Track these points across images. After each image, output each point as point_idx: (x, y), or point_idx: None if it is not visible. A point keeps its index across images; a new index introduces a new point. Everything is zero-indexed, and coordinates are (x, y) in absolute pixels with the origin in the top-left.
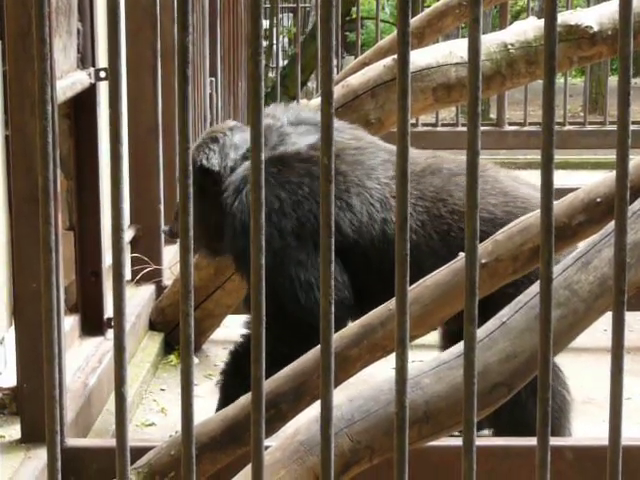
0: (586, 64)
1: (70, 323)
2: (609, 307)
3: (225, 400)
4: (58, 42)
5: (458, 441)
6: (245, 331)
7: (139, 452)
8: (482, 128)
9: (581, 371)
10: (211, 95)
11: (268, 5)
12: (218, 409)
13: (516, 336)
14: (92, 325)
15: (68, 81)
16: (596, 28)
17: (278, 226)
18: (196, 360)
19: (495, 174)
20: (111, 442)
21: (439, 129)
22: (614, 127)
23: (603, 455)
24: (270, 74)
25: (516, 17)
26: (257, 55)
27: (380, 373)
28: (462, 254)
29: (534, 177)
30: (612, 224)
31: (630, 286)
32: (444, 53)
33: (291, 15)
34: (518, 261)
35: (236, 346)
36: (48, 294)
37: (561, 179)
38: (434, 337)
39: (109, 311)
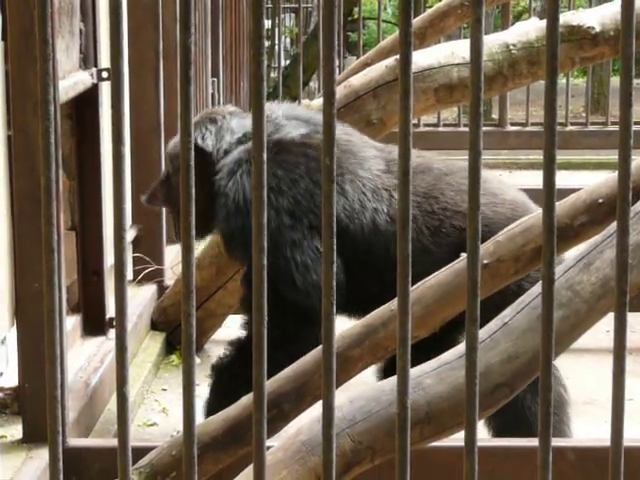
0: (588, 64)
1: (72, 323)
2: (611, 308)
3: (215, 396)
4: (60, 42)
5: (460, 442)
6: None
7: (141, 452)
8: (484, 128)
9: (583, 372)
10: (213, 95)
11: (270, 5)
12: (209, 403)
13: (518, 337)
14: (94, 325)
15: (70, 81)
16: (598, 29)
17: (275, 205)
18: (198, 360)
19: (484, 175)
20: (113, 442)
21: (441, 129)
22: (616, 127)
23: (605, 456)
24: (272, 74)
25: (518, 17)
26: (259, 55)
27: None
28: (464, 254)
29: (536, 178)
30: (614, 225)
31: (632, 287)
32: (446, 53)
33: (293, 15)
34: (520, 262)
35: (234, 341)
36: (50, 294)
37: (563, 179)
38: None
39: (111, 311)
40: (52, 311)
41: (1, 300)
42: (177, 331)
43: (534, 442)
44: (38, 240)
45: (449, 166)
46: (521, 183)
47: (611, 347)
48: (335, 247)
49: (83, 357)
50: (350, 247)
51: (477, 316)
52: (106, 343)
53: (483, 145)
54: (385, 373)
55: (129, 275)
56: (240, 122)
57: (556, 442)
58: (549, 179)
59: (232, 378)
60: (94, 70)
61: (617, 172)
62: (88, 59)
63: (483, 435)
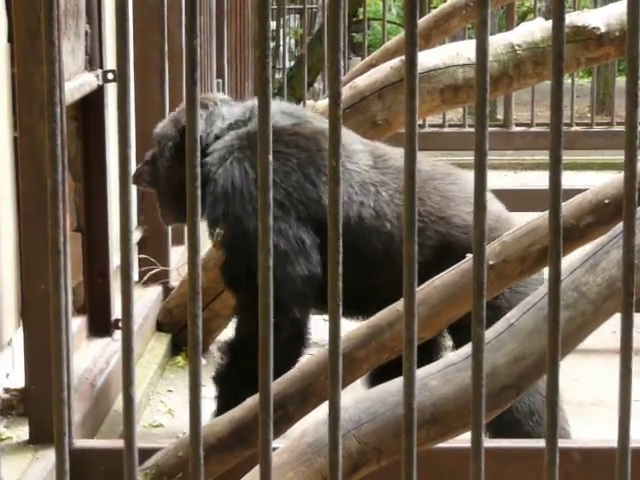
0: (593, 65)
1: (77, 324)
2: (617, 309)
3: (224, 398)
4: (66, 44)
5: (466, 443)
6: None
7: (147, 453)
8: (489, 129)
9: (590, 372)
10: None
11: (275, 6)
12: (219, 408)
13: (524, 338)
14: (99, 326)
15: (76, 83)
16: (603, 29)
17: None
18: (204, 361)
19: (466, 183)
20: (119, 443)
21: (446, 130)
22: (622, 128)
23: (611, 457)
24: (277, 75)
25: (523, 18)
26: (265, 57)
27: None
28: (470, 255)
29: (542, 178)
30: (620, 225)
31: (639, 288)
32: (451, 54)
33: (298, 16)
34: (526, 262)
35: (224, 347)
36: (56, 296)
37: (569, 180)
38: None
39: (116, 312)
40: (58, 313)
41: (7, 302)
42: (183, 332)
43: (540, 443)
44: (44, 241)
45: (436, 169)
46: (526, 184)
47: (618, 348)
48: (341, 248)
49: (89, 358)
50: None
51: (483, 317)
52: (112, 344)
53: (488, 146)
54: (373, 381)
55: (135, 276)
56: (231, 109)
57: (562, 443)
58: (555, 180)
59: (232, 385)
60: (100, 72)
61: (623, 172)
62: (94, 61)
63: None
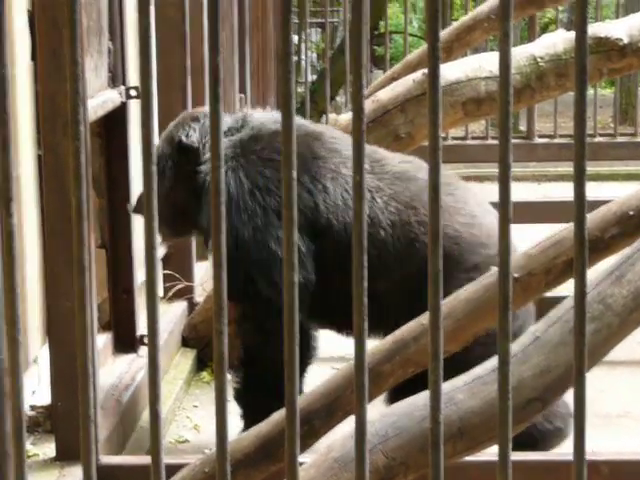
0: (616, 76)
1: (103, 341)
2: None
3: (250, 414)
4: (89, 62)
5: (493, 456)
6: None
7: (172, 469)
8: (512, 141)
9: (616, 384)
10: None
11: (296, 21)
12: (246, 425)
13: (550, 351)
14: (125, 342)
15: (99, 100)
16: (626, 40)
17: (262, 204)
18: (229, 377)
19: (464, 194)
20: (145, 459)
21: (469, 142)
22: None
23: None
24: (299, 89)
25: (545, 29)
26: (288, 73)
27: None
28: (495, 268)
29: (565, 189)
30: None
31: None
32: (473, 67)
33: (319, 30)
34: (551, 274)
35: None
36: (82, 313)
37: (592, 191)
38: None
39: (141, 328)
40: (84, 330)
41: (32, 319)
42: (208, 347)
43: (568, 456)
44: (69, 259)
45: None
46: (550, 195)
47: None
48: (365, 262)
49: (114, 374)
50: (332, 247)
51: (509, 330)
52: (137, 360)
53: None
54: (392, 398)
55: (159, 292)
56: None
57: (590, 456)
58: (579, 191)
59: (253, 399)
60: (122, 88)
61: None
62: (116, 77)
63: None
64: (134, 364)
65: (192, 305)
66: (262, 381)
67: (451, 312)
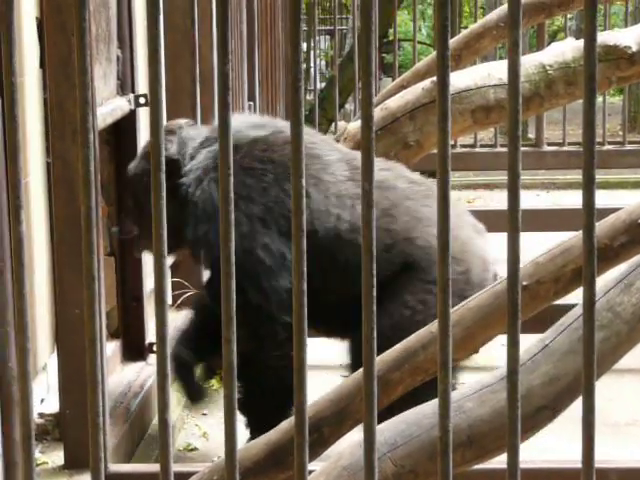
0: (625, 84)
1: (112, 348)
2: None
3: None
4: (98, 69)
5: (502, 464)
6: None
7: (182, 477)
8: (521, 149)
9: (625, 392)
10: None
11: (305, 28)
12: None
13: (559, 359)
14: (134, 350)
15: (108, 108)
16: (635, 48)
17: (246, 212)
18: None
19: (456, 221)
20: (154, 467)
21: (478, 150)
22: None
23: None
24: (308, 97)
25: (553, 37)
26: (297, 81)
27: None
28: (503, 276)
29: (574, 197)
30: None
31: None
32: (482, 75)
33: (328, 37)
34: (560, 283)
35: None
36: (91, 322)
37: (602, 199)
38: (475, 360)
39: (150, 336)
40: (93, 338)
41: (41, 327)
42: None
43: (577, 464)
44: (78, 266)
45: (414, 188)
46: (559, 203)
47: None
48: (375, 270)
49: (123, 382)
50: (313, 253)
51: (518, 338)
52: (146, 368)
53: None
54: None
55: (168, 300)
56: (197, 131)
57: (599, 464)
58: (588, 199)
59: (257, 407)
60: (131, 96)
61: None
62: (125, 85)
63: None
64: (143, 372)
65: None
66: (262, 387)
67: (460, 320)
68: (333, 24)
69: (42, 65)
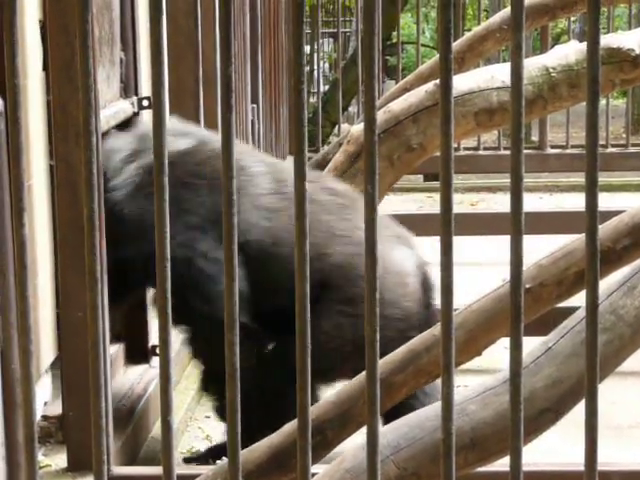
0: (628, 87)
1: (114, 351)
2: None
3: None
4: (101, 72)
5: (505, 467)
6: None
7: None
8: (524, 151)
9: (628, 395)
10: (253, 122)
11: (308, 31)
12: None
13: (562, 361)
14: (136, 353)
15: (111, 110)
16: (638, 51)
17: (183, 221)
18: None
19: (387, 253)
20: (157, 470)
21: (481, 153)
22: None
23: None
24: (311, 99)
25: (557, 39)
26: (300, 84)
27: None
28: (506, 279)
29: (577, 200)
30: None
31: None
32: (486, 77)
33: (332, 40)
34: (563, 286)
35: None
36: (94, 324)
37: (604, 202)
38: (478, 363)
39: (153, 338)
40: (96, 341)
41: (44, 329)
42: None
43: (579, 467)
44: (81, 269)
45: (337, 201)
46: (562, 206)
47: None
48: (377, 273)
49: (126, 385)
50: (247, 262)
51: (521, 341)
52: (149, 371)
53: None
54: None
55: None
56: (120, 142)
57: (602, 466)
58: (592, 202)
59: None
60: (135, 99)
61: None
62: (129, 88)
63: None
64: (146, 375)
65: None
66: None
67: (463, 323)
68: (336, 27)
69: (45, 68)
